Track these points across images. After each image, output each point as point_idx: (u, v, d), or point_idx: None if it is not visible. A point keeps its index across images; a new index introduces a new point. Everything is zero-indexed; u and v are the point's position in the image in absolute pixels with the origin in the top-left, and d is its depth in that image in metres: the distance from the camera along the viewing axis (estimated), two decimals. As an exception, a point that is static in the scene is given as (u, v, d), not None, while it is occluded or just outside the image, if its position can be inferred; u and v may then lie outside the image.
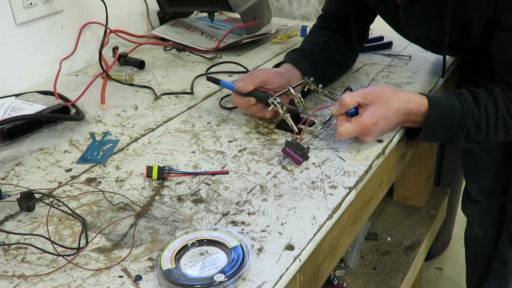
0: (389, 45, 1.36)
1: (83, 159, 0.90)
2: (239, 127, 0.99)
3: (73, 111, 1.04)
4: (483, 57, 0.99)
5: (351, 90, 1.05)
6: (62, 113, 1.03)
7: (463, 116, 0.90)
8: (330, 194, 0.78)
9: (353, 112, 0.89)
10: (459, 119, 0.90)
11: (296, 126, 0.93)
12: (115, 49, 1.32)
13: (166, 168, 0.84)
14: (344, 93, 0.94)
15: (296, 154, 0.85)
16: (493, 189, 1.35)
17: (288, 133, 0.95)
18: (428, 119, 0.90)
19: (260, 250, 0.67)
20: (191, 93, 1.14)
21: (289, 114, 0.94)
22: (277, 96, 0.96)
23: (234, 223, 0.72)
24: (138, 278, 0.63)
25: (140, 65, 1.28)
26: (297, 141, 0.87)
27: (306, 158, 0.86)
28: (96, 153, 0.91)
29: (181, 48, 1.37)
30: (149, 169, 0.83)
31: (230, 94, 1.09)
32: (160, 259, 0.64)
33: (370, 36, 1.29)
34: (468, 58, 1.22)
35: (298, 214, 0.74)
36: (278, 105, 0.95)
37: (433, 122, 0.90)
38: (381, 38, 1.38)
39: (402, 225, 1.50)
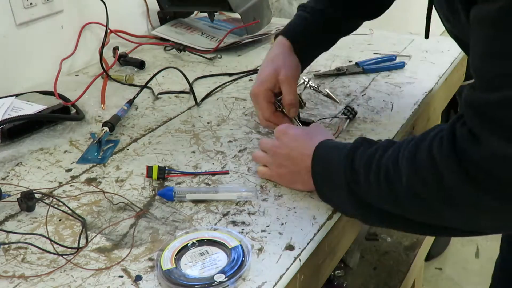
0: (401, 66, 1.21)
1: (83, 159, 0.90)
2: (239, 127, 0.99)
3: (73, 111, 1.04)
4: None
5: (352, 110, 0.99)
6: (62, 113, 1.03)
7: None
8: (330, 194, 0.78)
9: None
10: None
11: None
12: (115, 49, 1.32)
13: (166, 168, 0.84)
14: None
15: None
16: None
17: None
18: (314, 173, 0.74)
19: (260, 250, 0.67)
20: (191, 93, 1.14)
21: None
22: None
23: (234, 223, 0.72)
24: (138, 278, 0.63)
25: (140, 65, 1.28)
26: None
27: None
28: (96, 153, 0.91)
29: (181, 48, 1.37)
30: (149, 169, 0.83)
31: (230, 96, 1.09)
32: (160, 259, 0.64)
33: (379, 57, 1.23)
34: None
35: (298, 214, 0.74)
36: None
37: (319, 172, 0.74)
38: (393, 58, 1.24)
39: (402, 225, 1.49)
